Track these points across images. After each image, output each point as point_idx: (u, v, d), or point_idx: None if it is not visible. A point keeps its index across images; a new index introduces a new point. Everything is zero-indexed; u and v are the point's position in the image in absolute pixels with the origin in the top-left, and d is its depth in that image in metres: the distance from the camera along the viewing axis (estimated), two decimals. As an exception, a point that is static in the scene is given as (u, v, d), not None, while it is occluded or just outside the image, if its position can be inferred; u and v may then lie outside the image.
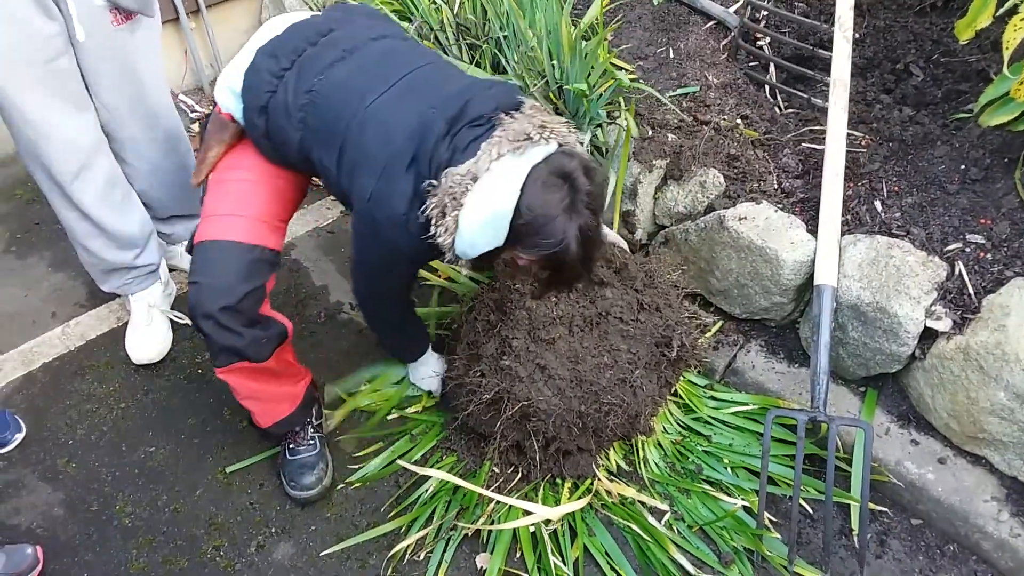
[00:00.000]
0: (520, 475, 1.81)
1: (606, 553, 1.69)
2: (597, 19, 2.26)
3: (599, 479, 1.80)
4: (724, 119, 2.17)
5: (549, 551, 1.66)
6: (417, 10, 2.50)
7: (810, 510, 1.76)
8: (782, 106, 2.35)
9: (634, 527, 1.72)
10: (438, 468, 1.84)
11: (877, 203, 1.92)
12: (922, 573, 1.67)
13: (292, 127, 1.47)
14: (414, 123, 1.36)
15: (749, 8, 2.38)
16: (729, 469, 1.83)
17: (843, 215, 1.87)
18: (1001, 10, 1.67)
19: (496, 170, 1.30)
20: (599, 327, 1.80)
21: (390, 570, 1.70)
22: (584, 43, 2.12)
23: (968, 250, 1.75)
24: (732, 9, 2.50)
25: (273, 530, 1.78)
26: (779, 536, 1.70)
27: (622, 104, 2.16)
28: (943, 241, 1.79)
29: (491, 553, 1.69)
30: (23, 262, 2.49)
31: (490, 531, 1.72)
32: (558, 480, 1.81)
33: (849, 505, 1.73)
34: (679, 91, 2.27)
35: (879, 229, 1.86)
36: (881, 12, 2.41)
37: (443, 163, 1.34)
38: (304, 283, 2.40)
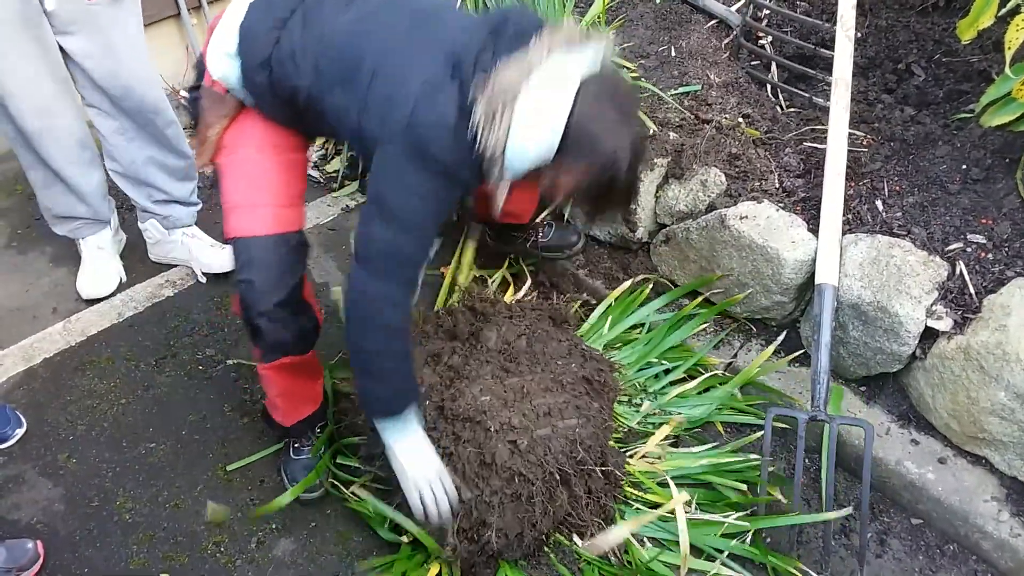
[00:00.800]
0: None
1: None
2: (599, 17, 2.26)
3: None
4: (726, 118, 2.16)
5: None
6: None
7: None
8: (784, 105, 2.35)
9: None
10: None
11: (878, 202, 1.92)
12: (922, 573, 1.68)
13: (301, 76, 1.41)
14: (450, 41, 1.32)
15: (751, 7, 2.38)
16: None
17: (844, 214, 1.87)
18: (1003, 10, 1.67)
19: (548, 67, 1.24)
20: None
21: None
22: (586, 41, 2.12)
23: (969, 250, 1.76)
24: (734, 8, 2.50)
25: (274, 526, 1.78)
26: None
27: (624, 102, 2.16)
28: (944, 241, 1.79)
29: None
30: (24, 257, 2.49)
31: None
32: None
33: (850, 504, 1.73)
34: (681, 90, 2.27)
35: (880, 228, 1.86)
36: (883, 11, 2.41)
37: (488, 70, 1.27)
38: (305, 280, 2.39)
